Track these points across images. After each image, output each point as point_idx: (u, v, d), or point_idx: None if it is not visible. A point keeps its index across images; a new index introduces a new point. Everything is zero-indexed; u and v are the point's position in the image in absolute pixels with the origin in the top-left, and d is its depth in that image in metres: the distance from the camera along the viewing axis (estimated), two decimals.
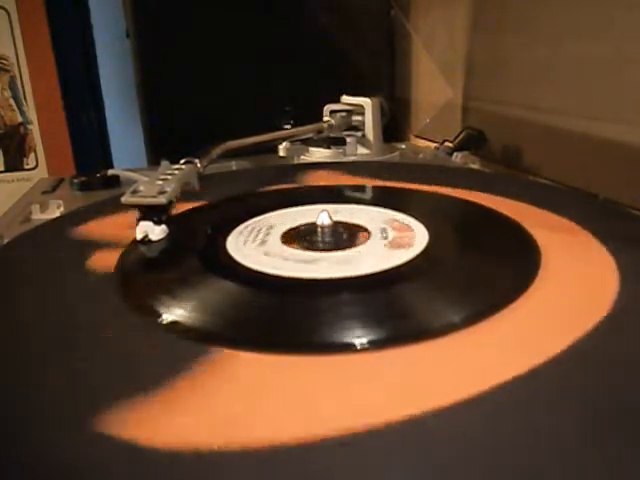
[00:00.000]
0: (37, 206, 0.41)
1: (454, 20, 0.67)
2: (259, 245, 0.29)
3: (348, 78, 0.71)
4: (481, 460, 0.15)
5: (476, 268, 0.27)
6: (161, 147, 0.71)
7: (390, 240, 0.28)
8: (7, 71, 0.79)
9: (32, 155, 0.83)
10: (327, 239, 0.29)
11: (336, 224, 0.30)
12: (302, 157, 0.55)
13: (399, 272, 0.25)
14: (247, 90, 0.70)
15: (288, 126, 0.54)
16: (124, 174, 0.50)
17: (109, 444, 0.15)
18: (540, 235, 0.29)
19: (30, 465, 0.15)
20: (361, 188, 0.40)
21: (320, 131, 0.52)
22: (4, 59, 0.79)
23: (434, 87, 0.73)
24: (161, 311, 0.23)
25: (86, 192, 0.48)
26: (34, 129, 0.82)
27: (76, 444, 0.16)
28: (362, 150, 0.55)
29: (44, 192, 0.49)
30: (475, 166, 0.53)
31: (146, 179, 0.33)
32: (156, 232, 0.30)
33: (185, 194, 0.33)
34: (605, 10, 0.45)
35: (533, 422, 0.16)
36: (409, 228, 0.30)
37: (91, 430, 0.16)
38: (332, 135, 0.53)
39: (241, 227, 0.31)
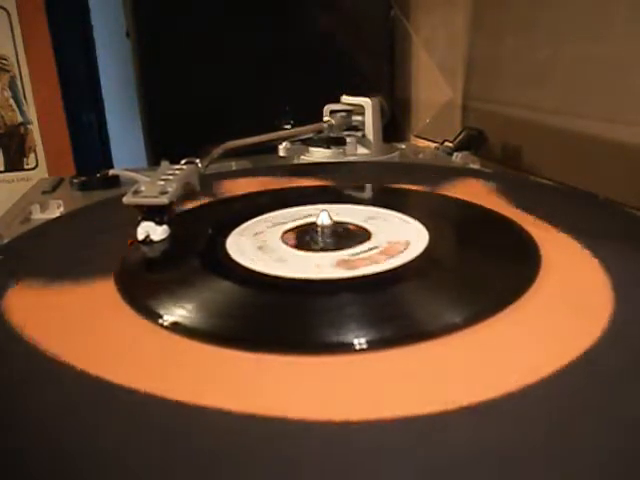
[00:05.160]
0: (37, 206, 0.41)
1: (454, 20, 0.67)
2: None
3: (348, 78, 0.71)
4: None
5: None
6: (161, 147, 0.71)
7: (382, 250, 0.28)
8: (7, 71, 0.79)
9: (32, 155, 0.83)
10: (327, 239, 0.29)
11: (336, 224, 0.30)
12: (302, 157, 0.55)
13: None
14: (247, 90, 0.71)
15: (288, 126, 0.54)
16: (124, 174, 0.50)
17: None
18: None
19: None
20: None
21: (320, 131, 0.52)
22: (4, 59, 0.78)
23: (434, 87, 0.73)
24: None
25: (86, 192, 0.48)
26: (34, 129, 0.82)
27: None
28: (362, 150, 0.55)
29: (44, 192, 0.49)
30: (475, 166, 0.53)
31: (147, 179, 0.33)
32: (158, 232, 0.30)
33: None
34: (605, 10, 0.45)
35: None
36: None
37: None
38: (332, 135, 0.53)
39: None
